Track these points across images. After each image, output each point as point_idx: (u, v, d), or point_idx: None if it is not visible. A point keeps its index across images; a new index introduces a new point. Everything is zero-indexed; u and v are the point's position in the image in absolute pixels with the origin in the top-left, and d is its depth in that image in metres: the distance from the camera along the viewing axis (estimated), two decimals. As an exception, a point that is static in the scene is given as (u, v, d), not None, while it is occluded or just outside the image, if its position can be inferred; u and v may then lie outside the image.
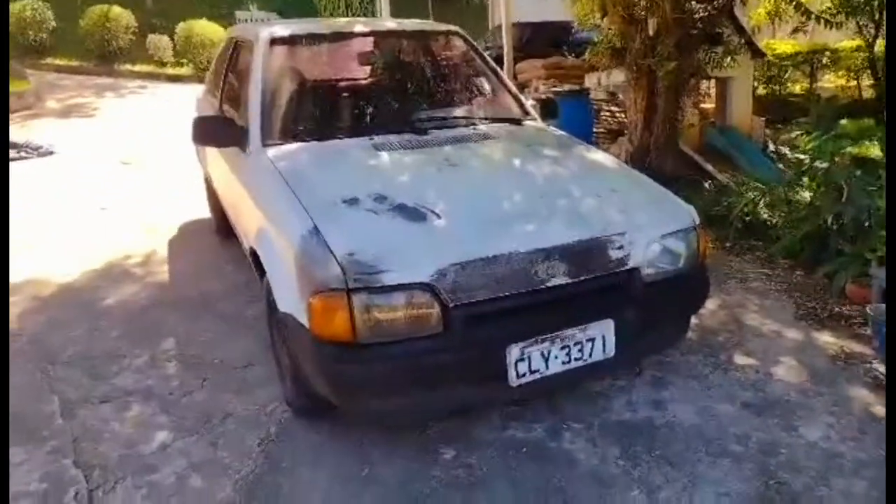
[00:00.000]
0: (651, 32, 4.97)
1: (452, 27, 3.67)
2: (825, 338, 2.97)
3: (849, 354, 2.81)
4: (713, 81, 6.82)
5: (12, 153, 6.66)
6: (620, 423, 2.38)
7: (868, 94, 8.57)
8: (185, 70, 12.44)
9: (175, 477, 2.16)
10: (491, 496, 2.05)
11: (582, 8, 5.55)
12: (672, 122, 5.16)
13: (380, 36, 3.66)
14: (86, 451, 2.29)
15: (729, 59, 5.15)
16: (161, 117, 8.63)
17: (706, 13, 4.99)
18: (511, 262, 2.02)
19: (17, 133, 7.46)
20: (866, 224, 3.45)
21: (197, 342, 3.04)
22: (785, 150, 6.43)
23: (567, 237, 2.12)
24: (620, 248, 2.18)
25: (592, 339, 2.14)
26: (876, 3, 6.65)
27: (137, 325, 3.24)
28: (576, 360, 2.13)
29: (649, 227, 2.27)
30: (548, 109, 3.61)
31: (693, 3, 4.94)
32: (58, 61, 12.57)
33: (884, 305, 2.83)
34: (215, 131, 2.96)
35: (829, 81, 10.03)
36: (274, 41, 3.15)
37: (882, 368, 2.66)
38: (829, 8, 6.49)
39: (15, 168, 6.18)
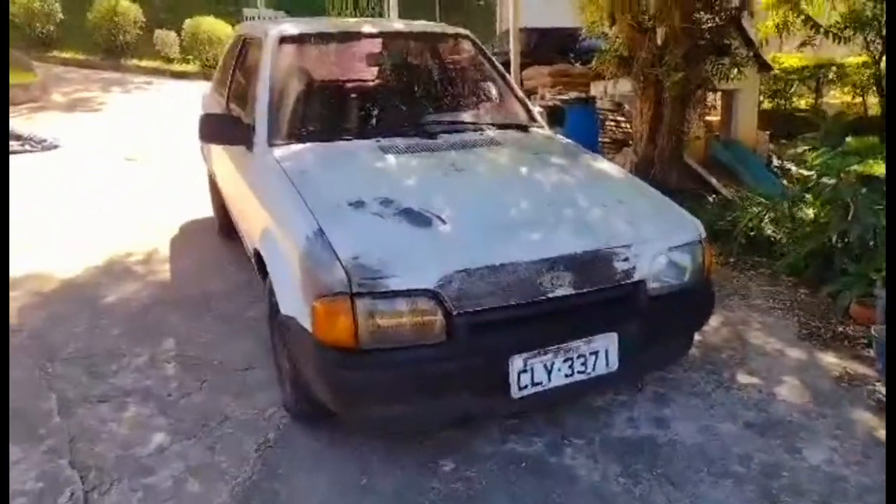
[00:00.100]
0: (659, 42, 4.96)
1: (462, 30, 3.66)
2: (829, 358, 2.94)
3: (852, 376, 2.79)
4: (719, 94, 6.79)
5: (16, 145, 6.65)
6: (622, 439, 2.36)
7: (874, 111, 8.55)
8: (191, 67, 12.41)
9: (172, 480, 2.14)
10: (490, 510, 2.03)
11: (591, 15, 5.54)
12: (678, 134, 5.13)
13: (389, 37, 3.64)
14: (82, 452, 2.27)
15: (736, 70, 5.14)
16: (166, 114, 8.61)
17: (714, 24, 4.98)
18: (517, 270, 2.00)
19: (22, 126, 7.44)
20: (871, 243, 3.43)
21: (197, 343, 3.03)
22: (790, 165, 6.41)
23: (574, 247, 2.10)
24: (626, 260, 2.16)
25: (596, 353, 2.11)
26: (884, 19, 6.63)
27: (138, 323, 3.23)
28: (579, 373, 2.11)
29: (656, 240, 2.25)
30: (555, 117, 3.61)
31: (702, 13, 4.93)
32: (64, 54, 12.58)
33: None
34: (222, 129, 2.94)
35: (835, 97, 10.01)
36: (283, 40, 3.13)
37: (886, 391, 2.63)
38: (838, 22, 6.47)
39: (18, 161, 6.16)
